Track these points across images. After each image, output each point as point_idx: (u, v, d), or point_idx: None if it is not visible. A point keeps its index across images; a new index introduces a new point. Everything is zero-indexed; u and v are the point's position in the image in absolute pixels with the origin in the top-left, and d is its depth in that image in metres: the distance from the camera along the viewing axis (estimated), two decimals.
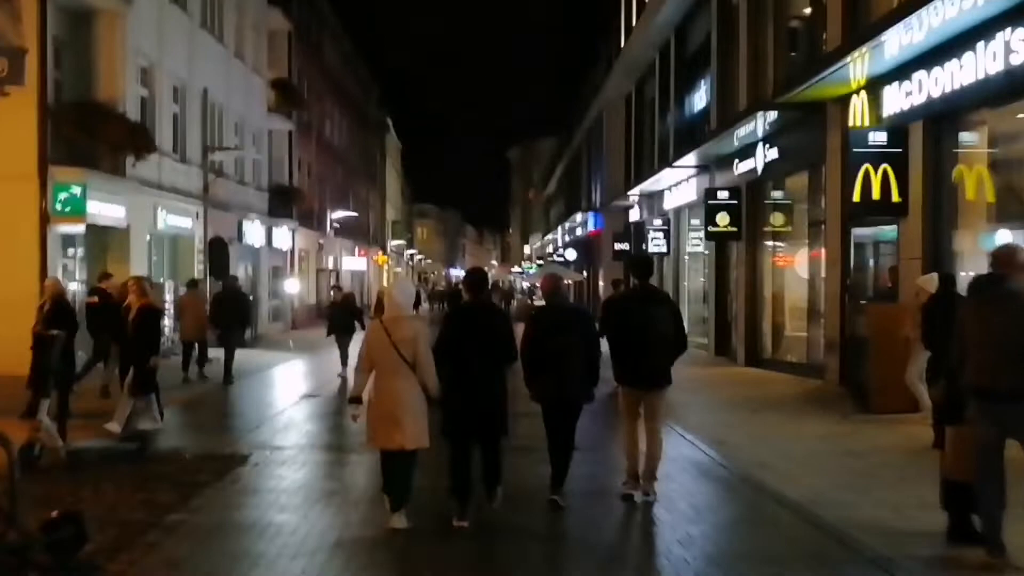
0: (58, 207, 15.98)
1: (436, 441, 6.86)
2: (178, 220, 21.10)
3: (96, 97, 17.31)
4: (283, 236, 31.95)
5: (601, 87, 37.06)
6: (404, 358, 6.51)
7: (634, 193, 28.90)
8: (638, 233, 29.91)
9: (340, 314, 17.94)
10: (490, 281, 11.45)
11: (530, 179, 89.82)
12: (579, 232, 43.16)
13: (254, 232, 28.12)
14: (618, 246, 32.36)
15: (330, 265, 41.41)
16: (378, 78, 60.24)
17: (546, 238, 66.79)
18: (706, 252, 22.71)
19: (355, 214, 40.16)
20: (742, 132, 17.29)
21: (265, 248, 29.90)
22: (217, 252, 24.87)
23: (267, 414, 12.81)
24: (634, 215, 30.80)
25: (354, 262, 46.85)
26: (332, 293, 21.59)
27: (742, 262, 18.63)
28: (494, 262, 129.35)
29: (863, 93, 12.01)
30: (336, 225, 37.90)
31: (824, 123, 13.88)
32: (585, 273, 39.63)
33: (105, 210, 17.29)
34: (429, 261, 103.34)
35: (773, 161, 16.33)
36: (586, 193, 43.94)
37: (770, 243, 18.04)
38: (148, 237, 19.89)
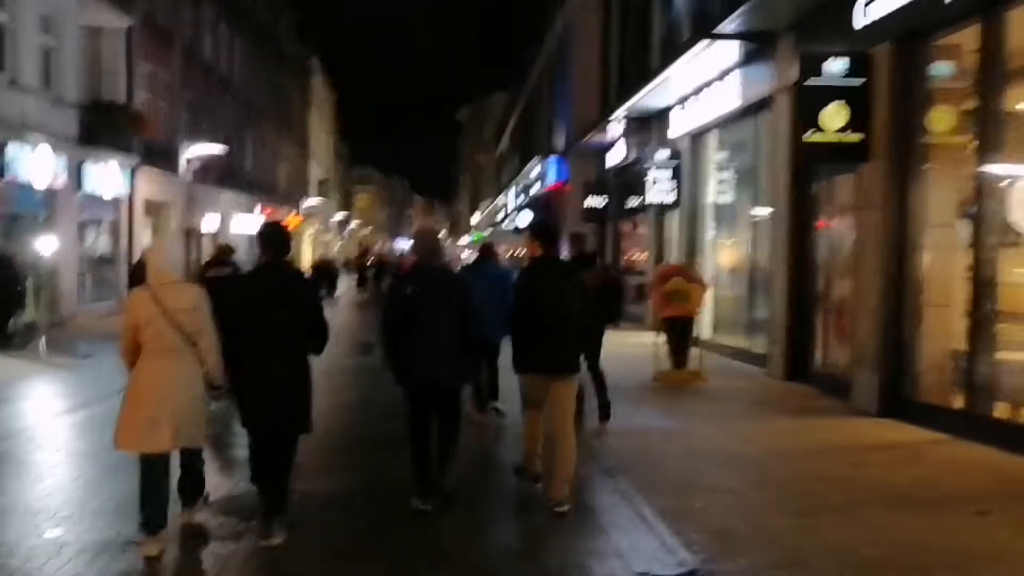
0: None
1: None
2: None
3: None
4: (110, 176, 21.98)
5: None
6: (183, 332, 5.07)
7: (617, 119, 19.37)
8: (624, 179, 20.59)
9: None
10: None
11: (481, 139, 79.73)
12: (537, 189, 33.47)
13: (38, 166, 18.17)
14: (591, 201, 23.08)
15: (211, 226, 31.35)
16: (298, 7, 49.97)
17: (497, 202, 56.69)
18: (732, 202, 13.41)
19: (222, 148, 29.24)
20: None
21: (69, 191, 19.96)
22: None
23: None
24: (615, 156, 21.44)
25: (252, 222, 36.59)
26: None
27: (876, 205, 9.33)
28: (444, 233, 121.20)
29: None
30: (194, 162, 27.60)
31: None
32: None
33: None
34: (369, 230, 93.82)
35: None
36: (545, 137, 34.13)
37: (931, 164, 8.78)
38: None
